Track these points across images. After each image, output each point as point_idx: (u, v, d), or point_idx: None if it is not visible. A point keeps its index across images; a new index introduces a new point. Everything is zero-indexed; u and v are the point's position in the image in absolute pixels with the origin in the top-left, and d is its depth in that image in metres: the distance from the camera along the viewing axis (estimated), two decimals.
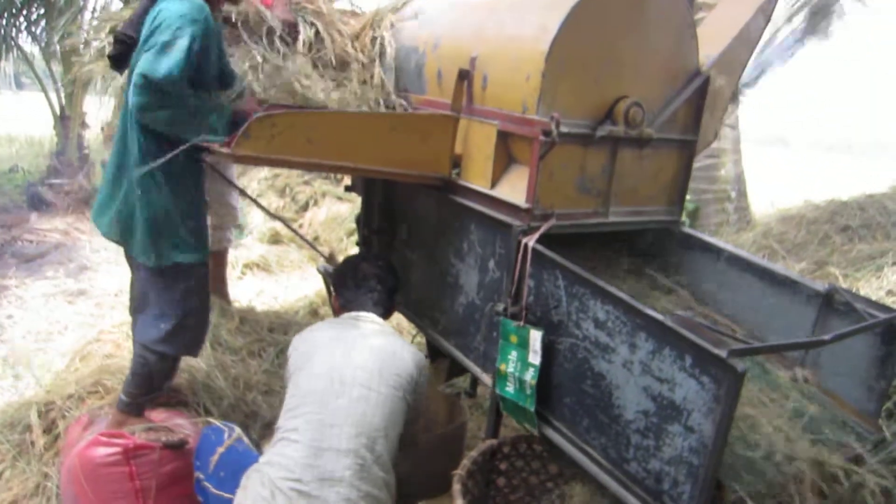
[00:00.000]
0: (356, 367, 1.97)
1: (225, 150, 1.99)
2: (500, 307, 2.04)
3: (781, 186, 9.07)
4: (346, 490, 1.81)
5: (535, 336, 1.92)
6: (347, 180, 6.20)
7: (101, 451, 2.22)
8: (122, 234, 2.21)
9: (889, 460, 2.05)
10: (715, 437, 1.47)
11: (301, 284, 5.32)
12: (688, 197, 2.58)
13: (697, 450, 1.52)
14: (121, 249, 2.33)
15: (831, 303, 2.06)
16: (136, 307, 2.35)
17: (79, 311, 4.76)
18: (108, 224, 2.24)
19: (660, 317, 1.59)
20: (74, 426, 2.47)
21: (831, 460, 1.74)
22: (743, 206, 6.58)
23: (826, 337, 1.68)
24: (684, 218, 2.52)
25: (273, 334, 3.60)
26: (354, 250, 5.58)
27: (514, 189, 2.10)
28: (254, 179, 7.59)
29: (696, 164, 2.52)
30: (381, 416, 1.92)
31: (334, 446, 1.85)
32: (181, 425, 2.47)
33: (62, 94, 7.85)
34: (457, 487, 1.99)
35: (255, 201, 4.44)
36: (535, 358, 1.94)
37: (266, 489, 1.80)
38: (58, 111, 7.88)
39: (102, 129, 8.58)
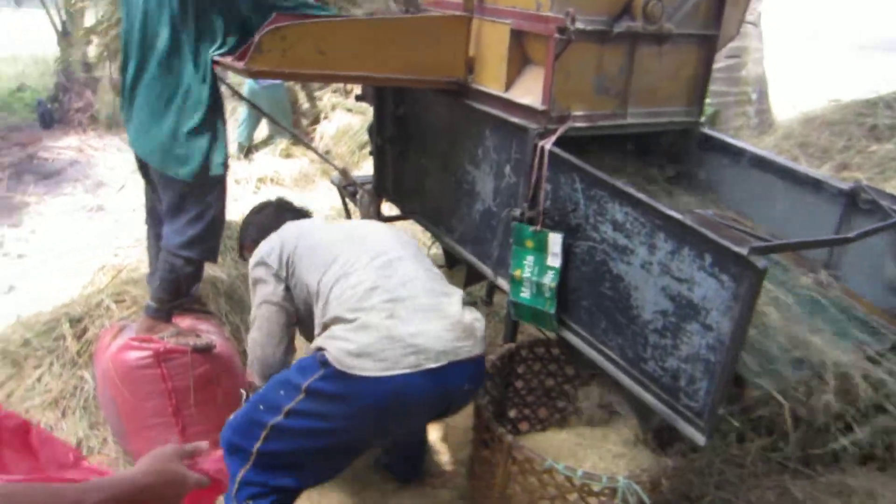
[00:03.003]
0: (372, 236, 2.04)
1: (239, 65, 1.97)
2: (517, 212, 2.02)
3: (809, 86, 8.74)
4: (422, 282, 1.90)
5: (555, 239, 1.91)
6: (358, 90, 6.08)
7: (133, 354, 2.33)
8: (156, 151, 2.29)
9: None
10: (733, 335, 1.48)
11: (315, 197, 5.33)
12: (707, 100, 2.50)
13: (715, 347, 1.53)
14: (134, 166, 2.41)
15: (855, 202, 2.01)
16: (161, 217, 2.47)
17: (98, 226, 4.84)
18: (141, 142, 2.34)
19: (679, 216, 1.56)
20: (105, 333, 2.57)
21: (850, 359, 1.76)
22: (764, 108, 6.37)
23: (851, 234, 1.66)
24: (703, 120, 2.44)
25: None
26: (367, 162, 5.53)
27: (530, 91, 2.04)
28: None
29: (716, 65, 2.42)
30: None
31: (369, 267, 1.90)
32: (208, 330, 2.56)
33: (62, 10, 7.63)
34: None
35: (267, 116, 4.37)
36: (554, 261, 1.93)
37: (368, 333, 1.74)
38: (59, 27, 7.67)
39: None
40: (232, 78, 4.78)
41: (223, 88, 2.46)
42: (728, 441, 2.18)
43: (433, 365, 1.72)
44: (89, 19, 7.83)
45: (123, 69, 2.35)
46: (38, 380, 2.60)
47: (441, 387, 1.77)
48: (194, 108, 2.23)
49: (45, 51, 9.20)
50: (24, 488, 0.94)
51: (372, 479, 2.44)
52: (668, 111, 2.28)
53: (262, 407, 1.79)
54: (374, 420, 1.76)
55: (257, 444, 1.77)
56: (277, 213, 2.40)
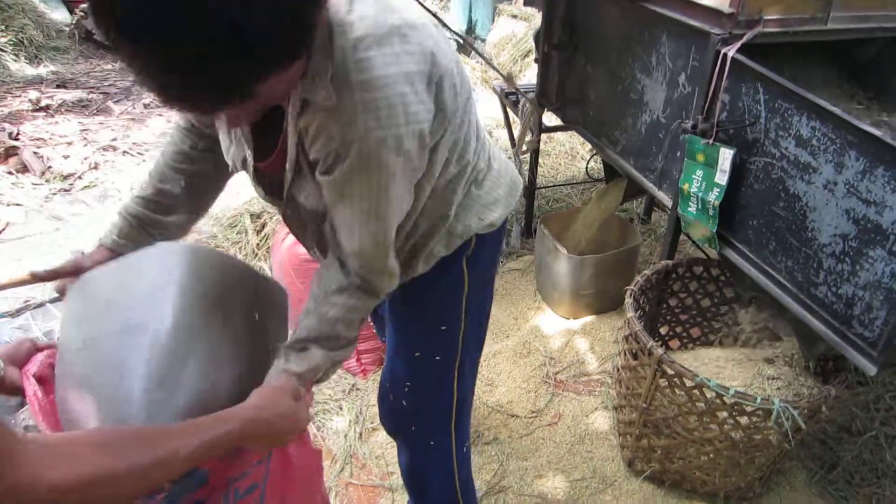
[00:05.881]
0: None
1: None
2: (689, 124, 1.93)
3: None
4: None
5: (726, 154, 1.82)
6: None
7: None
8: None
9: None
10: None
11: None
12: None
13: None
14: None
15: None
16: None
17: None
18: None
19: (878, 132, 1.43)
20: (282, 227, 2.81)
21: None
22: None
23: None
24: None
25: None
26: (529, 71, 5.43)
27: None
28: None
29: None
30: None
31: None
32: None
33: None
34: (629, 301, 2.06)
35: (435, 15, 4.40)
36: (721, 178, 1.85)
37: None
38: None
39: None
40: None
41: None
42: None
43: None
44: None
45: None
46: None
47: None
48: None
49: None
50: (117, 434, 0.82)
51: (527, 386, 2.58)
52: (879, 16, 2.02)
53: (437, 356, 1.40)
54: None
55: (455, 398, 1.45)
56: None
